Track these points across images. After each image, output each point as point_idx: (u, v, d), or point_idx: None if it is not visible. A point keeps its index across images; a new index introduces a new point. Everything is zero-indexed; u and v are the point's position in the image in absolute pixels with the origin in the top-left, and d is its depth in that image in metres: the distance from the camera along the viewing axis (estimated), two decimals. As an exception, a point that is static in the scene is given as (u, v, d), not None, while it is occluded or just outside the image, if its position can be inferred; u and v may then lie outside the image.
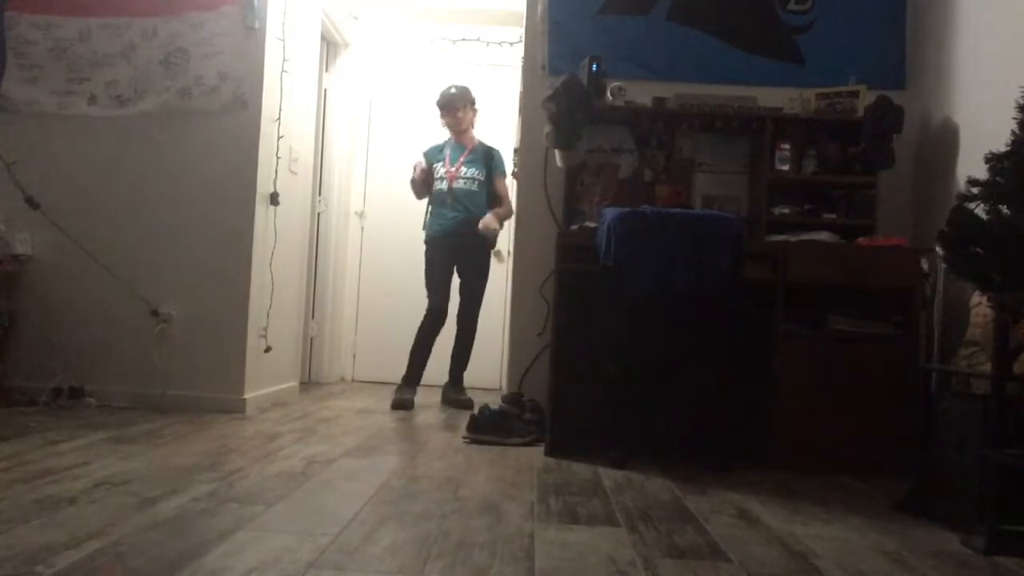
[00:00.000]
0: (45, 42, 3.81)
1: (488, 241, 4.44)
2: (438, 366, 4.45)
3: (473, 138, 4.55)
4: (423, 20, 5.32)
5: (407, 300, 4.81)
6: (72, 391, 3.59)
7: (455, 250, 4.41)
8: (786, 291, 3.09)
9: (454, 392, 4.46)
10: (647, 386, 3.16)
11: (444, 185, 4.44)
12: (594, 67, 3.59)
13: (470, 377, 4.57)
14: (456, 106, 4.48)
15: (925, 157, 3.67)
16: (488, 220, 4.31)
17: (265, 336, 3.87)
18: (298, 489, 2.28)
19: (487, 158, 4.50)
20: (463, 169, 4.44)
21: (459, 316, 4.47)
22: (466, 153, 4.48)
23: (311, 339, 5.14)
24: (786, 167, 3.57)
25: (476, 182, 4.43)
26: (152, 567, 1.57)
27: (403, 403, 4.18)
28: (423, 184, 4.49)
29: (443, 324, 4.37)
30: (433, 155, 4.56)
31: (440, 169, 4.49)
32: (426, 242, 4.51)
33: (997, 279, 2.24)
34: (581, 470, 2.83)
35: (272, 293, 3.90)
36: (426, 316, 4.38)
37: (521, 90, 4.10)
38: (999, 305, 2.17)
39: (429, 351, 4.36)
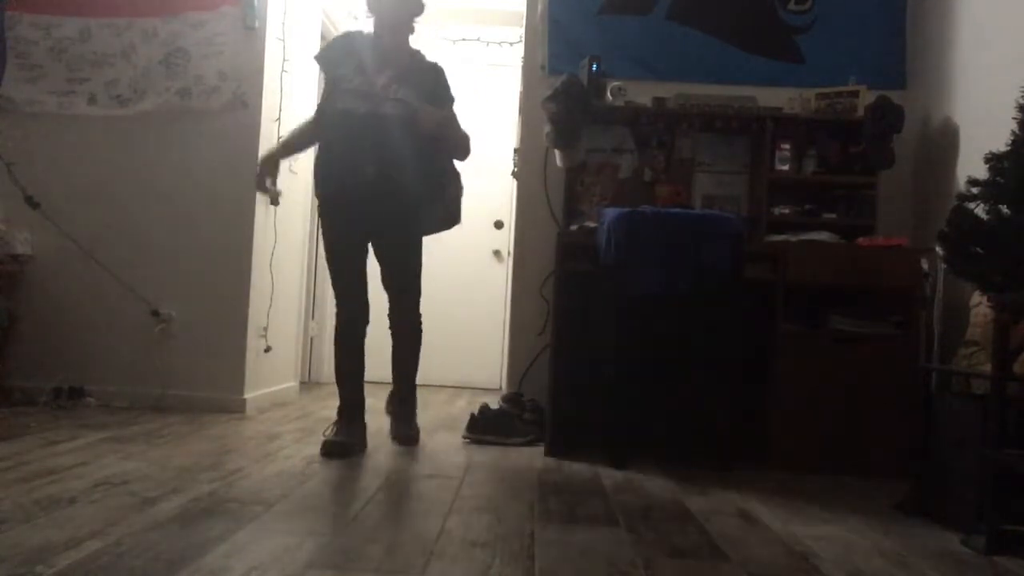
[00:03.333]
0: (45, 42, 3.81)
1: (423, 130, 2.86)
2: (438, 365, 4.38)
3: (408, 47, 3.02)
4: (423, 20, 5.27)
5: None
6: (72, 391, 3.59)
7: (369, 217, 2.92)
8: (786, 291, 3.09)
9: (402, 426, 3.14)
10: (647, 386, 3.16)
11: (360, 106, 2.80)
12: (594, 67, 3.59)
13: (470, 377, 4.51)
14: None
15: (925, 157, 3.67)
16: (430, 114, 2.86)
17: (265, 336, 3.87)
18: (298, 489, 2.28)
19: (430, 78, 2.97)
20: (394, 87, 2.86)
21: (392, 316, 3.10)
22: (397, 66, 2.92)
23: (311, 339, 5.14)
24: (786, 167, 3.57)
25: (409, 108, 2.84)
26: (152, 567, 1.56)
27: (337, 448, 2.79)
28: (264, 176, 3.09)
29: (365, 328, 3.08)
30: (337, 58, 2.94)
31: (353, 78, 2.85)
32: (320, 201, 2.99)
33: (997, 279, 2.24)
34: (581, 470, 2.83)
35: (272, 293, 3.90)
36: (337, 327, 3.06)
37: (521, 90, 4.10)
38: (999, 305, 2.17)
39: (361, 373, 3.09)
